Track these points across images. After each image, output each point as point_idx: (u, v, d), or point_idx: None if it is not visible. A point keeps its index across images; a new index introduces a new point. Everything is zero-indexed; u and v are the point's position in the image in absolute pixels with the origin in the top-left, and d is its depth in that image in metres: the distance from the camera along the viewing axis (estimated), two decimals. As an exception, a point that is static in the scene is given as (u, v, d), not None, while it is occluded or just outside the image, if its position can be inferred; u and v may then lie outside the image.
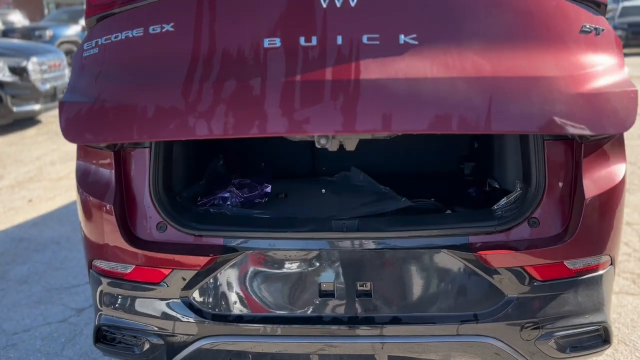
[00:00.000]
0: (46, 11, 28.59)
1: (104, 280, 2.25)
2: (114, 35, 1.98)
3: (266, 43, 1.85)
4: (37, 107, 8.94)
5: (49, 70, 9.22)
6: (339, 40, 1.82)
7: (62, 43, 15.13)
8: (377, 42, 1.82)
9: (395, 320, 2.14)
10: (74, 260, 4.30)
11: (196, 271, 2.12)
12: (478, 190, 2.88)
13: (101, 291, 2.27)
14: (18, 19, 17.59)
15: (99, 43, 2.01)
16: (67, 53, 12.88)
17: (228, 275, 2.17)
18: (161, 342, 2.21)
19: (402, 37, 1.82)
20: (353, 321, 2.14)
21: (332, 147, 2.12)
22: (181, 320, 2.17)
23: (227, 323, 2.16)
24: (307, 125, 1.72)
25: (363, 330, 2.13)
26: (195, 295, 2.18)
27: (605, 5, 1.96)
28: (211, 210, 2.54)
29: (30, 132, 9.12)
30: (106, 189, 2.19)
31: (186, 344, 2.19)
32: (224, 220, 2.37)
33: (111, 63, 1.97)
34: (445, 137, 3.33)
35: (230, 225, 2.24)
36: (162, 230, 2.20)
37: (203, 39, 1.89)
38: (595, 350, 2.15)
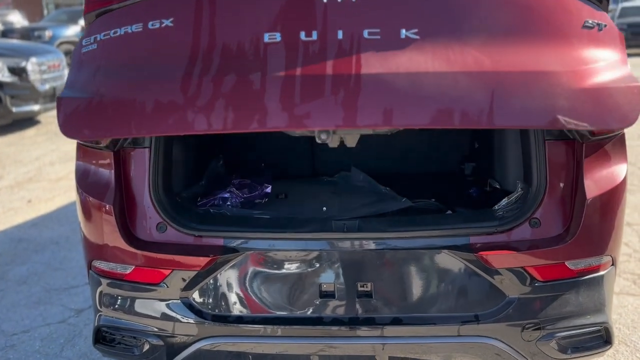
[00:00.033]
0: (45, 12, 28.58)
1: (104, 281, 2.24)
2: (112, 31, 1.97)
3: (266, 38, 1.83)
4: (36, 107, 8.93)
5: (48, 71, 9.21)
6: (340, 35, 1.81)
7: (61, 43, 15.12)
8: (378, 37, 1.80)
9: (396, 321, 2.13)
10: (73, 260, 4.30)
11: (196, 272, 2.11)
12: (479, 191, 2.88)
13: (101, 292, 2.26)
14: (17, 19, 17.58)
15: (98, 39, 1.99)
16: (67, 53, 12.85)
17: (228, 276, 2.16)
18: (161, 343, 2.20)
19: (403, 31, 1.81)
20: (354, 322, 2.14)
21: (333, 143, 2.11)
22: (181, 321, 2.16)
23: (227, 324, 2.16)
24: (308, 120, 1.71)
25: (364, 331, 2.12)
26: (195, 296, 2.17)
27: (608, 1, 1.96)
28: (211, 210, 2.53)
29: (30, 132, 9.12)
30: (106, 190, 2.19)
31: (186, 345, 2.18)
32: (224, 220, 2.36)
33: (110, 59, 1.95)
34: (445, 137, 3.33)
35: (230, 226, 2.23)
36: (162, 231, 2.19)
37: (202, 34, 1.88)
38: (597, 351, 2.15)
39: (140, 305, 2.21)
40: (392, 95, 1.71)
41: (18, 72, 8.68)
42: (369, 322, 2.13)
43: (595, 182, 2.05)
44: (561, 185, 2.10)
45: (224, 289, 2.18)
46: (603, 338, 2.15)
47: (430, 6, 1.89)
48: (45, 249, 4.53)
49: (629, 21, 18.65)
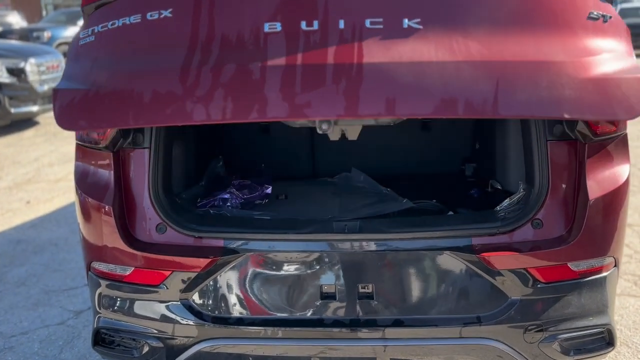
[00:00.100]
0: (44, 12, 28.59)
1: (103, 283, 2.23)
2: (110, 23, 1.94)
3: (266, 28, 1.81)
4: (35, 108, 8.91)
5: (47, 72, 9.20)
6: (341, 24, 1.78)
7: (60, 44, 15.10)
8: (381, 26, 1.78)
9: (398, 323, 2.12)
10: (72, 262, 4.28)
11: (196, 273, 2.10)
12: (480, 192, 2.87)
13: (100, 293, 2.25)
14: (16, 20, 17.55)
15: (96, 31, 1.97)
16: (65, 54, 12.82)
17: (228, 278, 2.15)
18: (160, 345, 2.18)
19: (406, 21, 1.78)
20: (355, 324, 2.12)
21: (334, 135, 2.09)
22: (181, 323, 2.15)
23: (227, 326, 2.14)
24: (309, 109, 1.67)
25: (365, 332, 2.11)
26: (195, 297, 2.15)
27: None
28: (211, 211, 2.52)
29: (28, 133, 9.10)
30: (105, 190, 2.17)
31: (186, 347, 2.17)
32: (224, 221, 2.35)
33: (108, 50, 1.93)
34: (446, 137, 3.32)
35: (230, 227, 2.22)
36: (162, 232, 2.18)
37: (202, 25, 1.85)
38: (599, 353, 2.14)
39: (139, 307, 2.19)
40: (395, 85, 1.68)
41: (17, 73, 8.66)
42: (370, 323, 2.12)
43: (598, 182, 2.04)
44: (563, 186, 2.09)
45: (224, 290, 2.16)
46: (606, 340, 2.14)
47: None
48: (44, 251, 4.52)
49: (628, 22, 18.56)
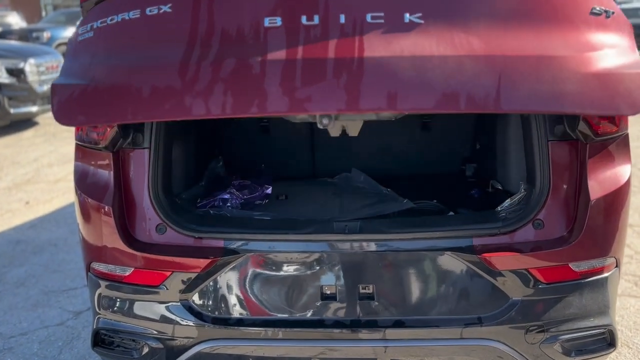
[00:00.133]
0: (44, 13, 28.55)
1: (103, 283, 2.22)
2: (109, 18, 1.93)
3: (266, 22, 1.80)
4: (34, 108, 8.89)
5: (47, 72, 9.18)
6: (342, 19, 1.77)
7: (59, 45, 15.08)
8: (382, 21, 1.77)
9: (399, 324, 2.11)
10: (71, 262, 4.27)
11: (196, 274, 2.09)
12: (480, 192, 2.86)
13: (99, 294, 2.24)
14: (15, 20, 17.54)
15: (95, 27, 1.96)
16: (65, 55, 12.82)
17: (228, 278, 2.14)
18: (160, 345, 2.18)
19: (407, 15, 1.77)
20: (355, 324, 2.12)
21: (335, 131, 2.07)
22: (181, 324, 2.14)
23: (227, 326, 2.14)
24: (309, 103, 1.66)
25: (365, 333, 2.10)
26: (195, 298, 2.15)
27: None
28: (211, 212, 2.51)
29: (28, 133, 9.08)
30: (105, 191, 2.16)
31: (186, 348, 2.16)
32: (224, 222, 2.34)
33: (106, 45, 1.92)
34: (446, 138, 3.31)
35: (230, 227, 2.21)
36: (162, 233, 2.17)
37: (201, 20, 1.84)
38: (601, 354, 2.13)
39: (139, 308, 2.18)
40: (396, 79, 1.67)
41: (16, 73, 8.65)
42: (371, 324, 2.11)
43: (599, 183, 2.03)
44: (565, 186, 2.08)
45: (224, 291, 2.16)
46: (607, 341, 2.13)
47: None
48: (44, 251, 4.51)
49: (627, 23, 18.68)
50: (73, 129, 2.31)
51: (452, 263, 2.08)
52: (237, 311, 2.17)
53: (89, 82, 1.83)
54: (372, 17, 1.77)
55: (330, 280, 2.12)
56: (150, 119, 1.92)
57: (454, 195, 2.81)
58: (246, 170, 3.09)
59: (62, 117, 1.83)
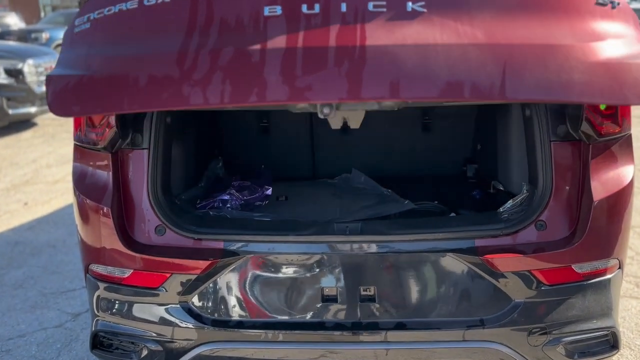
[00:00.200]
0: (42, 14, 28.55)
1: (101, 285, 2.20)
2: (106, 9, 1.91)
3: (266, 11, 1.77)
4: (33, 109, 8.87)
5: (45, 73, 9.16)
6: (343, 7, 1.75)
7: (58, 45, 15.07)
8: (384, 10, 1.74)
9: (400, 326, 2.09)
10: (70, 264, 4.25)
11: (196, 275, 2.08)
12: (482, 193, 2.84)
13: (98, 296, 2.23)
14: (14, 21, 17.53)
15: (91, 18, 1.93)
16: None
17: (228, 280, 2.12)
18: (159, 348, 2.16)
19: (409, 4, 1.75)
20: (356, 327, 2.10)
21: (336, 122, 2.04)
22: (180, 326, 2.13)
23: (227, 329, 2.12)
24: (310, 92, 1.62)
25: (366, 336, 2.09)
26: (195, 300, 2.13)
27: None
28: (211, 213, 2.49)
29: (26, 134, 9.06)
30: (103, 192, 2.15)
31: (185, 350, 2.14)
32: (224, 223, 2.32)
33: (103, 36, 1.89)
34: (447, 138, 3.29)
35: (230, 229, 2.19)
36: (161, 234, 2.16)
37: (200, 9, 1.81)
38: (604, 356, 2.12)
39: (138, 310, 2.17)
40: (399, 67, 1.63)
41: (15, 74, 8.63)
42: (372, 327, 2.10)
43: (602, 184, 2.02)
44: (567, 187, 2.07)
45: (224, 293, 2.14)
46: (610, 343, 2.12)
47: None
48: (42, 253, 4.49)
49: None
50: (72, 129, 2.29)
51: (454, 264, 2.06)
52: (237, 313, 2.15)
53: (85, 72, 1.80)
54: (374, 6, 1.74)
55: (330, 282, 2.11)
56: (146, 109, 1.89)
57: (455, 196, 2.80)
58: (246, 171, 3.07)
59: (58, 108, 1.79)
